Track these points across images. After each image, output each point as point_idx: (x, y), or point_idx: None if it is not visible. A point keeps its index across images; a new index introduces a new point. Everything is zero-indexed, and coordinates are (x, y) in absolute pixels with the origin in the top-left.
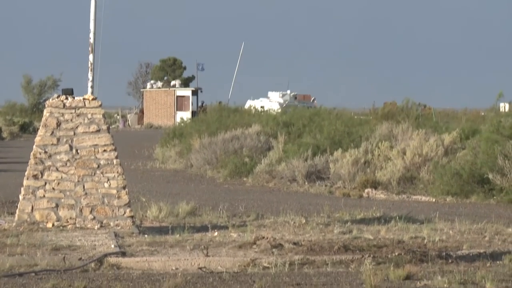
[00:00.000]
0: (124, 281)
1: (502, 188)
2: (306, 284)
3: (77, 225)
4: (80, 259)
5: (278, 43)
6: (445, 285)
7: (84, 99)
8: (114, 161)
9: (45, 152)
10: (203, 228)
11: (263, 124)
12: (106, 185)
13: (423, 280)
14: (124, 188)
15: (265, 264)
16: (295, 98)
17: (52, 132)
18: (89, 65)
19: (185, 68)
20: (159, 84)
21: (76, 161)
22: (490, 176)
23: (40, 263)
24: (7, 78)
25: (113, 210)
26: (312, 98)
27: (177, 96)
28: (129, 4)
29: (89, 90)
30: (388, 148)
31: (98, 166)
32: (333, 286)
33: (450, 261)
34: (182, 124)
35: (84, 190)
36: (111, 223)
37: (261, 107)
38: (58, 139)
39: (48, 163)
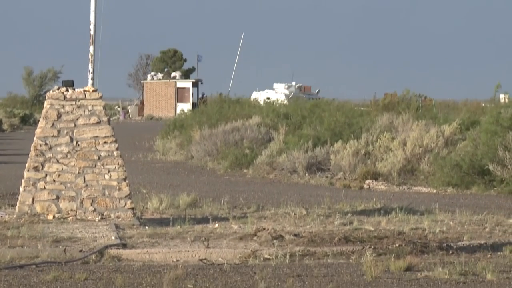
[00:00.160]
0: (125, 273)
1: (502, 179)
2: (307, 276)
3: (78, 217)
4: (81, 251)
5: (279, 35)
6: (446, 276)
7: (84, 90)
8: (115, 152)
9: (46, 144)
10: (204, 220)
11: (263, 115)
12: (106, 176)
13: (424, 271)
14: (124, 179)
15: (266, 256)
16: (300, 89)
17: (53, 124)
18: (90, 56)
19: (185, 60)
20: (160, 75)
21: (76, 153)
22: (491, 167)
23: (41, 255)
24: (9, 70)
25: (113, 202)
26: (317, 90)
27: (177, 88)
28: None
29: (90, 82)
30: (389, 139)
31: (99, 158)
32: (334, 277)
33: (450, 252)
34: (183, 116)
35: (84, 182)
36: (112, 215)
37: (267, 98)
38: (59, 131)
39: (49, 155)
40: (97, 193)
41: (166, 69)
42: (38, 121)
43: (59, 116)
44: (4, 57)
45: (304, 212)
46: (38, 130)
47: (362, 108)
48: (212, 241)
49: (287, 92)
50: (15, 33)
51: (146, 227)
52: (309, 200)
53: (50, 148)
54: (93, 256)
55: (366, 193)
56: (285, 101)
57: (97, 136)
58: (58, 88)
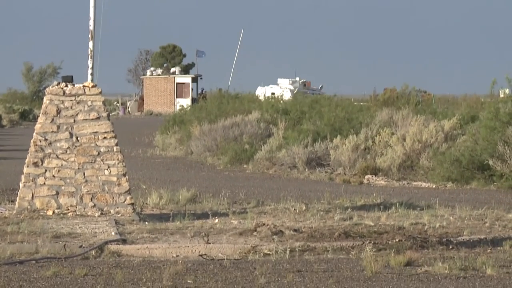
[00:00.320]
0: (125, 269)
1: (502, 174)
2: (306, 271)
3: (78, 213)
4: (80, 246)
5: (280, 30)
6: (446, 271)
7: (84, 86)
8: (114, 148)
9: (45, 139)
10: (204, 215)
11: (262, 111)
12: (106, 172)
13: (424, 266)
14: (124, 175)
15: (266, 251)
16: (304, 85)
17: (52, 120)
18: (89, 52)
19: (185, 55)
20: (159, 71)
21: (76, 149)
22: (490, 162)
23: (40, 250)
24: (8, 66)
25: (113, 198)
26: (320, 86)
27: (177, 83)
28: None
29: (89, 77)
30: (389, 134)
31: (98, 154)
32: (334, 272)
33: (450, 247)
34: (182, 111)
35: (84, 177)
36: (112, 211)
37: (272, 93)
38: (58, 127)
39: (48, 150)
40: (97, 188)
41: (165, 65)
42: (38, 116)
43: (58, 111)
44: (4, 52)
45: (304, 208)
46: (37, 126)
47: (361, 103)
48: (212, 237)
49: (291, 87)
50: (15, 29)
51: (146, 223)
52: (309, 195)
53: (50, 143)
54: (93, 252)
55: (366, 188)
56: (291, 97)
57: (96, 132)
58: (58, 84)
